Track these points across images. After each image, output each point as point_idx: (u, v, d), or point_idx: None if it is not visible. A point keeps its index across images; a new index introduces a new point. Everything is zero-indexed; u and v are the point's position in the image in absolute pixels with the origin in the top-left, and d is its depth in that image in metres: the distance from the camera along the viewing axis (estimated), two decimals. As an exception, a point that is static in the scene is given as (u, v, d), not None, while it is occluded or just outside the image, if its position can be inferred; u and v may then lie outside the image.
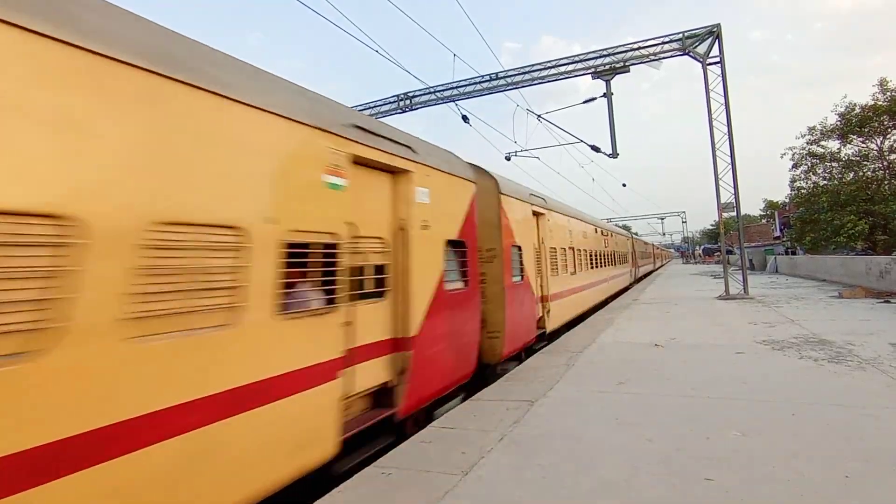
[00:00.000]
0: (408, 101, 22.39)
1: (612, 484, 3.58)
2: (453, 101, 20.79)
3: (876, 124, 29.40)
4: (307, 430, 3.66)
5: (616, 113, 18.65)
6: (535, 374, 7.25)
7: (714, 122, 17.03)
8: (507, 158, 24.52)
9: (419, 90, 21.91)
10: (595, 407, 5.47)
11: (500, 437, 4.68)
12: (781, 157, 33.98)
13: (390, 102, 22.83)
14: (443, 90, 21.37)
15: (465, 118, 20.18)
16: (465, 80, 21.09)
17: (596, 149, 20.29)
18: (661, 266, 66.53)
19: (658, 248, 73.40)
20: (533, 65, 20.16)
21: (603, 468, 3.85)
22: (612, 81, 18.61)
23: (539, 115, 20.63)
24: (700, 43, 17.17)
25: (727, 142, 16.87)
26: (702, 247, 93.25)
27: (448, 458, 4.23)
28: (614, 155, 19.67)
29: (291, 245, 3.66)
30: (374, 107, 23.06)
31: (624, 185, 45.07)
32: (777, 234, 52.24)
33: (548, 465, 3.98)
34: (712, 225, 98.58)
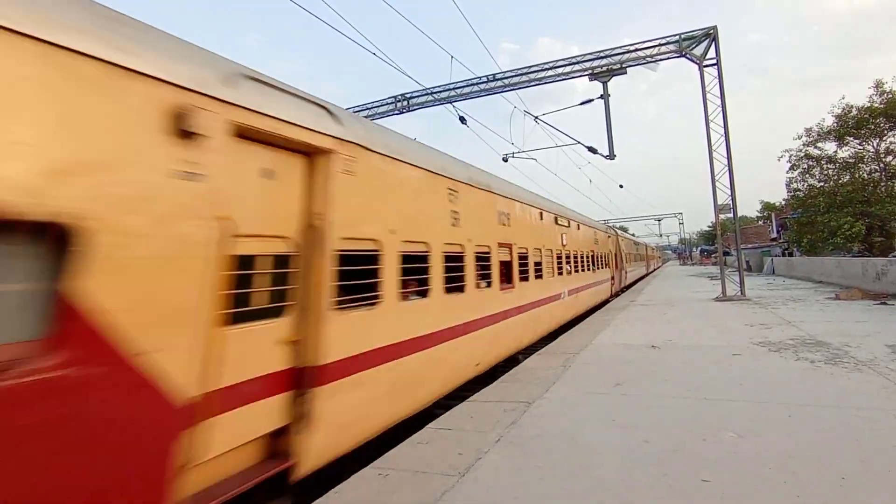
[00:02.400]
0: (405, 103, 22.42)
1: (609, 485, 3.57)
2: (450, 103, 20.83)
3: (872, 126, 29.55)
4: None
5: (613, 114, 18.74)
6: (532, 375, 7.24)
7: (711, 124, 17.09)
8: (505, 160, 24.57)
9: (416, 91, 21.94)
10: (592, 408, 5.46)
11: (497, 438, 4.67)
12: (779, 159, 34.16)
13: (388, 104, 22.86)
14: (440, 91, 21.38)
15: (462, 119, 20.22)
16: (462, 81, 21.12)
17: (593, 150, 20.34)
18: (656, 270, 57.91)
19: (652, 249, 62.63)
20: (530, 66, 20.19)
21: (600, 469, 3.85)
22: (609, 83, 18.68)
23: (536, 117, 20.68)
24: (697, 45, 17.23)
25: (724, 143, 16.93)
26: (699, 248, 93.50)
27: (445, 459, 4.22)
28: (611, 156, 19.73)
29: None
30: (372, 108, 23.08)
31: (621, 187, 45.23)
32: (774, 235, 52.39)
33: (545, 466, 3.97)
34: (709, 226, 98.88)
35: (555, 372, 7.31)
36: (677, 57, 17.54)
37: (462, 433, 4.90)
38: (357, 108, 23.00)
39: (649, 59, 17.93)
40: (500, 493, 3.56)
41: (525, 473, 3.86)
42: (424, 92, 21.53)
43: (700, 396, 5.66)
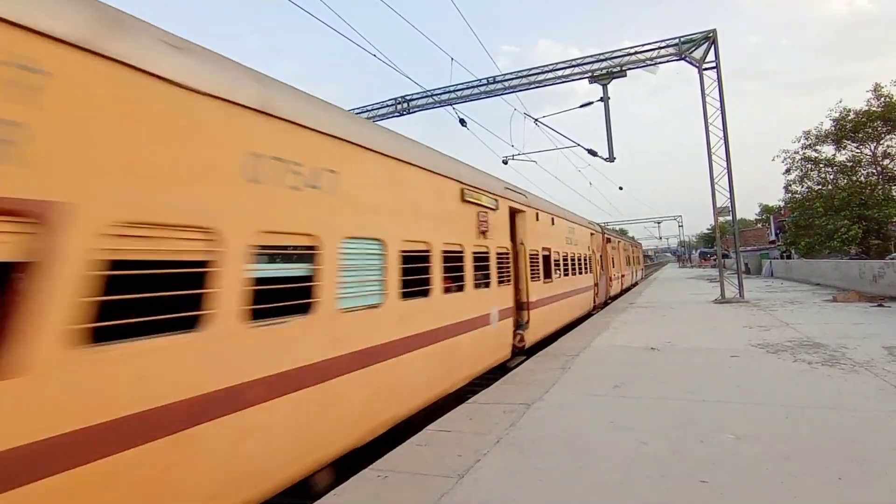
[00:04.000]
0: (405, 105, 22.44)
1: (608, 486, 3.59)
2: (451, 105, 20.86)
3: (870, 130, 29.66)
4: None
5: (613, 117, 18.76)
6: (531, 377, 7.26)
7: (710, 127, 17.15)
8: (505, 162, 24.58)
9: (417, 94, 21.95)
10: (591, 410, 5.49)
11: (496, 439, 4.69)
12: (773, 159, 34.30)
13: (388, 106, 22.87)
14: (440, 94, 21.41)
15: (462, 122, 20.24)
16: (462, 83, 21.14)
17: (593, 153, 20.37)
18: (633, 286, 31.18)
19: (630, 244, 34.76)
20: (530, 69, 20.24)
21: (598, 471, 3.87)
22: (608, 86, 18.72)
23: (536, 119, 20.71)
24: (696, 48, 17.29)
25: (723, 146, 16.98)
26: (698, 251, 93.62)
27: (444, 461, 4.24)
28: (611, 159, 19.75)
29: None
30: (372, 110, 23.10)
31: (621, 189, 45.27)
32: (772, 238, 52.50)
33: (544, 467, 3.99)
34: (708, 229, 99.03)
35: (554, 374, 7.33)
36: (677, 60, 17.60)
37: (461, 435, 4.91)
38: (357, 110, 23.03)
39: (649, 62, 17.99)
40: (500, 494, 3.58)
41: (524, 475, 3.88)
42: (424, 94, 21.56)
43: (698, 398, 5.68)
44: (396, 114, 22.65)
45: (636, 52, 18.27)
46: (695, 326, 11.50)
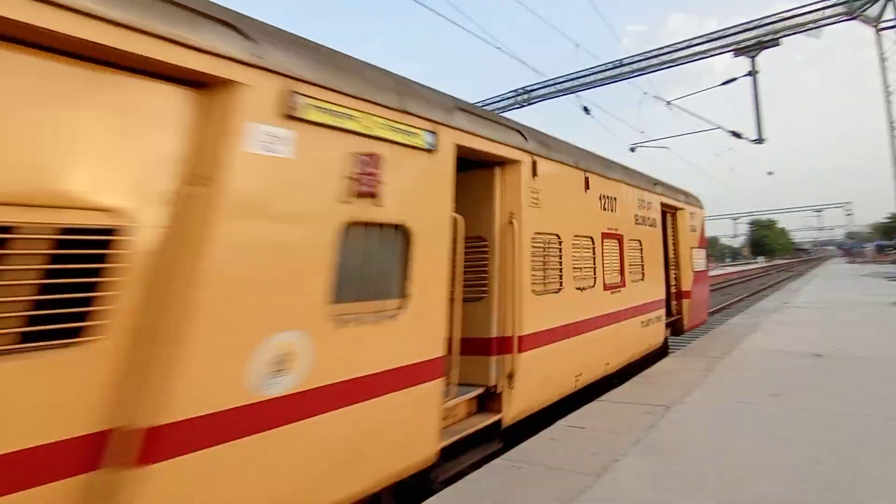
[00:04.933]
0: (526, 96, 22.20)
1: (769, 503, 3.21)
2: (574, 93, 20.17)
3: None
4: None
5: (761, 93, 16.64)
6: (669, 378, 6.77)
7: (891, 97, 14.40)
8: (632, 150, 23.12)
9: (538, 83, 21.61)
10: (742, 418, 4.95)
11: (635, 441, 4.45)
12: None
13: (508, 98, 22.83)
14: (563, 82, 20.81)
15: (586, 109, 19.47)
16: (585, 70, 20.33)
17: (737, 135, 18.29)
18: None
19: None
20: (661, 48, 18.80)
21: (757, 485, 3.48)
22: (757, 58, 16.64)
23: (668, 102, 19.16)
24: (872, 4, 14.60)
25: (911, 118, 14.18)
26: (874, 244, 79.44)
27: (578, 458, 4.13)
28: (759, 140, 17.56)
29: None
30: (493, 102, 23.22)
31: (770, 174, 40.18)
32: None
33: (689, 474, 3.70)
34: (887, 218, 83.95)
35: (695, 376, 6.75)
36: (847, 20, 15.04)
37: (595, 433, 4.75)
38: (479, 103, 23.25)
39: (811, 25, 15.61)
40: (641, 497, 3.39)
41: (668, 480, 3.63)
42: (546, 83, 21.12)
43: (883, 415, 4.83)
44: (517, 105, 22.54)
45: (794, 16, 15.96)
46: (871, 331, 9.79)
